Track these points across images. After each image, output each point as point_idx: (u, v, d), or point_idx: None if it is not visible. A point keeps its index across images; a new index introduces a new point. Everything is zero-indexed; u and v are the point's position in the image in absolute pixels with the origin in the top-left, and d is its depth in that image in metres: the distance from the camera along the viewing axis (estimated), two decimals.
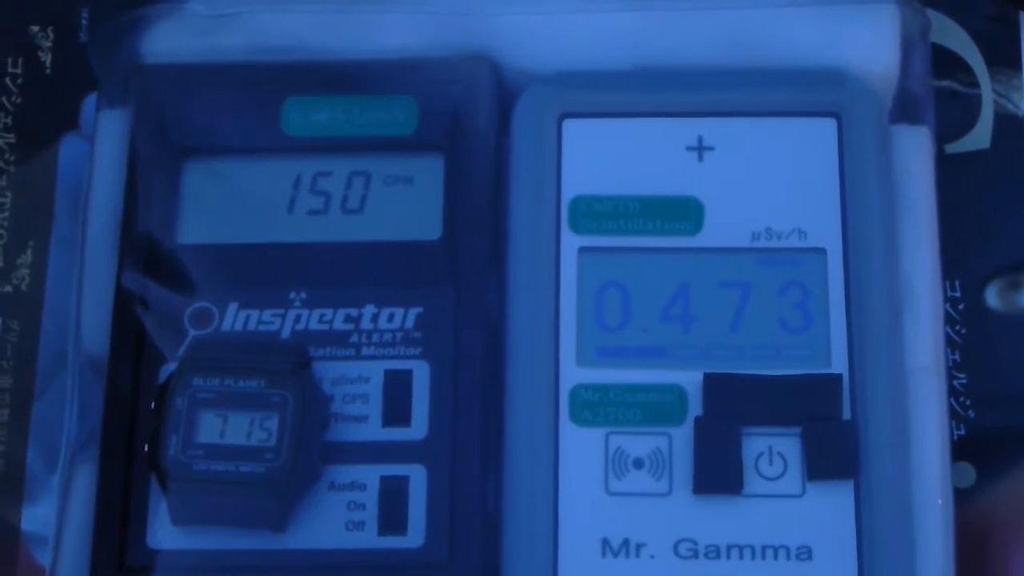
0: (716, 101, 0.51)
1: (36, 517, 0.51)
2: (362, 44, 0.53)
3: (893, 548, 0.46)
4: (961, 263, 0.52)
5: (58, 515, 0.49)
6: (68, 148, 0.55)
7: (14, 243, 0.53)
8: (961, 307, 0.51)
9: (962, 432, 0.50)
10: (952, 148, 0.53)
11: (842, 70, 0.51)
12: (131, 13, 0.54)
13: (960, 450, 0.50)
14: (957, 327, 0.51)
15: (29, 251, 0.53)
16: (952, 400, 0.50)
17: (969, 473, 0.50)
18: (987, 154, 0.54)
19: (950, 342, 0.51)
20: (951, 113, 0.53)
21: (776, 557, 0.46)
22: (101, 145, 0.52)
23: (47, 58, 0.55)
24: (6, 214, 0.54)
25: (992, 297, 0.52)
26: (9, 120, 0.55)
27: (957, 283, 0.52)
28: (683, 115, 0.51)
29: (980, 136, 0.54)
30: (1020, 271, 0.53)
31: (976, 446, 0.50)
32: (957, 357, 0.51)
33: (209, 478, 0.47)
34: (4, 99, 0.55)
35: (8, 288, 0.52)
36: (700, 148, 0.50)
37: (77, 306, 0.51)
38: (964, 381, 0.51)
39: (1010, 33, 0.54)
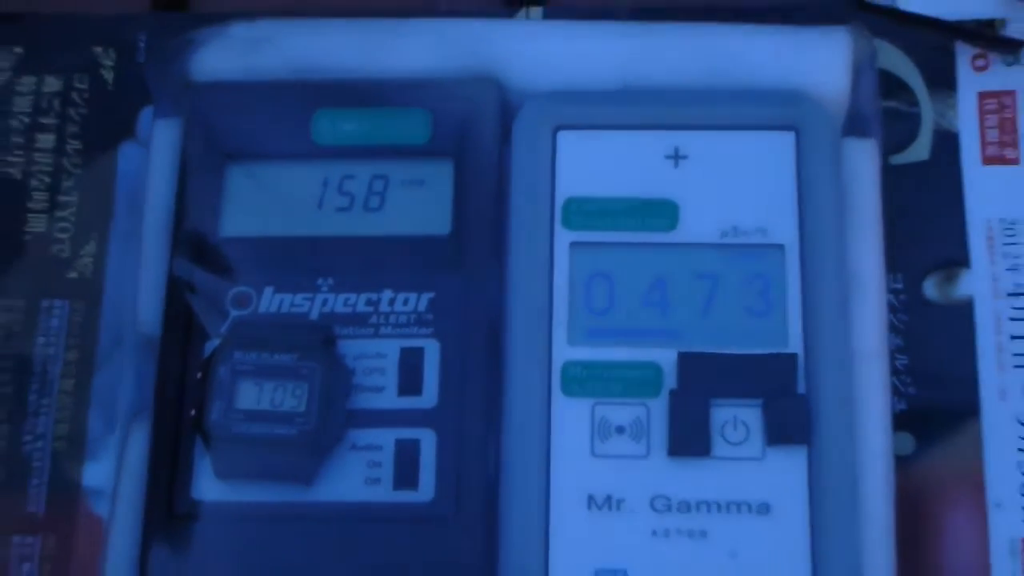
0: (691, 116, 0.51)
1: (96, 474, 0.50)
2: (383, 64, 0.53)
3: (841, 505, 0.46)
4: (903, 259, 0.52)
5: (116, 471, 0.49)
6: (126, 154, 0.54)
7: (79, 236, 0.53)
8: (903, 297, 0.51)
9: (903, 406, 0.50)
10: (895, 159, 0.53)
11: (800, 90, 0.51)
12: (182, 37, 0.54)
13: (900, 422, 0.49)
14: (899, 315, 0.51)
15: (92, 243, 0.53)
16: (894, 378, 0.50)
17: (908, 442, 0.49)
18: (926, 165, 0.53)
19: (893, 328, 0.50)
20: (895, 129, 0.53)
21: (739, 511, 0.46)
22: (155, 151, 0.52)
23: (109, 75, 0.55)
24: (72, 210, 0.53)
25: (930, 289, 0.52)
26: (76, 129, 0.54)
27: (899, 276, 0.51)
28: (662, 128, 0.51)
29: (920, 149, 0.53)
30: (954, 266, 0.52)
31: (915, 419, 0.50)
32: (899, 341, 0.50)
33: (247, 439, 0.47)
34: (72, 111, 0.55)
35: (74, 275, 0.52)
36: (676, 157, 0.50)
37: (134, 291, 0.51)
38: (905, 362, 0.50)
39: (947, 60, 0.54)
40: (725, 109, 0.51)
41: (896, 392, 0.50)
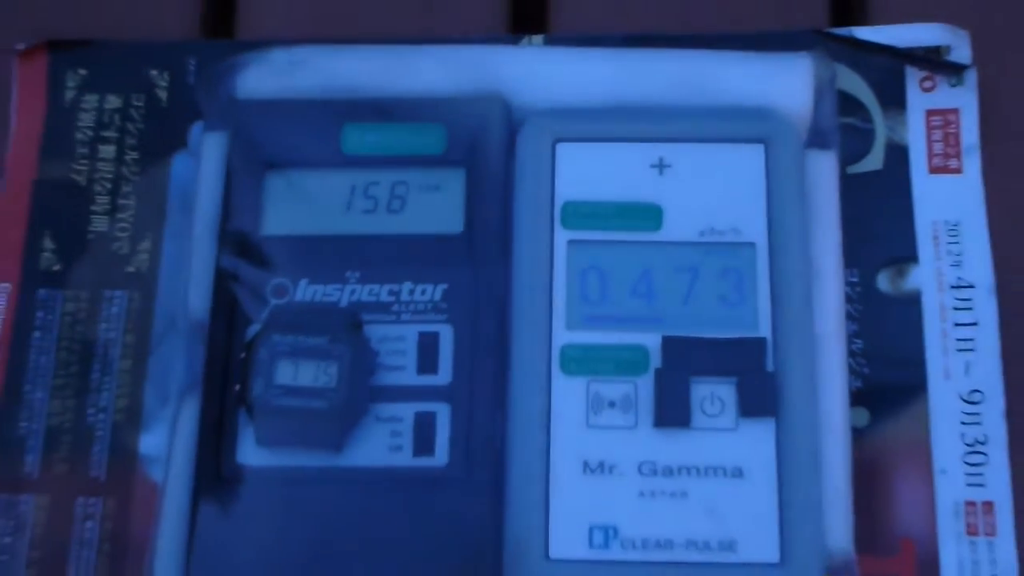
0: (673, 130, 0.51)
1: (151, 443, 0.51)
2: (403, 84, 0.53)
3: (805, 470, 0.47)
4: (858, 256, 0.52)
5: (169, 440, 0.49)
6: (179, 163, 0.54)
7: (137, 234, 0.53)
8: (858, 289, 0.51)
9: (859, 384, 0.50)
10: (852, 169, 0.53)
11: (768, 108, 0.52)
12: (227, 60, 0.54)
13: (856, 398, 0.50)
14: (855, 304, 0.51)
15: (148, 241, 0.53)
16: (851, 360, 0.50)
17: (863, 416, 0.50)
18: (879, 174, 0.53)
19: (849, 316, 0.51)
20: (852, 142, 0.53)
21: (715, 475, 0.47)
22: (204, 161, 0.52)
23: (163, 95, 0.55)
24: (131, 212, 0.53)
25: (882, 282, 0.51)
26: (134, 141, 0.54)
27: (855, 271, 0.51)
28: (648, 140, 0.51)
29: (874, 160, 0.53)
30: (904, 262, 0.52)
31: (869, 395, 0.50)
32: (855, 327, 0.51)
33: (285, 411, 0.47)
34: (131, 125, 0.55)
35: (132, 269, 0.52)
36: (661, 166, 0.51)
37: (185, 282, 0.51)
38: (860, 345, 0.50)
39: (898, 82, 0.54)
40: (703, 124, 0.51)
41: (853, 372, 0.50)
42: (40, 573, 0.49)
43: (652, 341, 0.48)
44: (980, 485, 0.49)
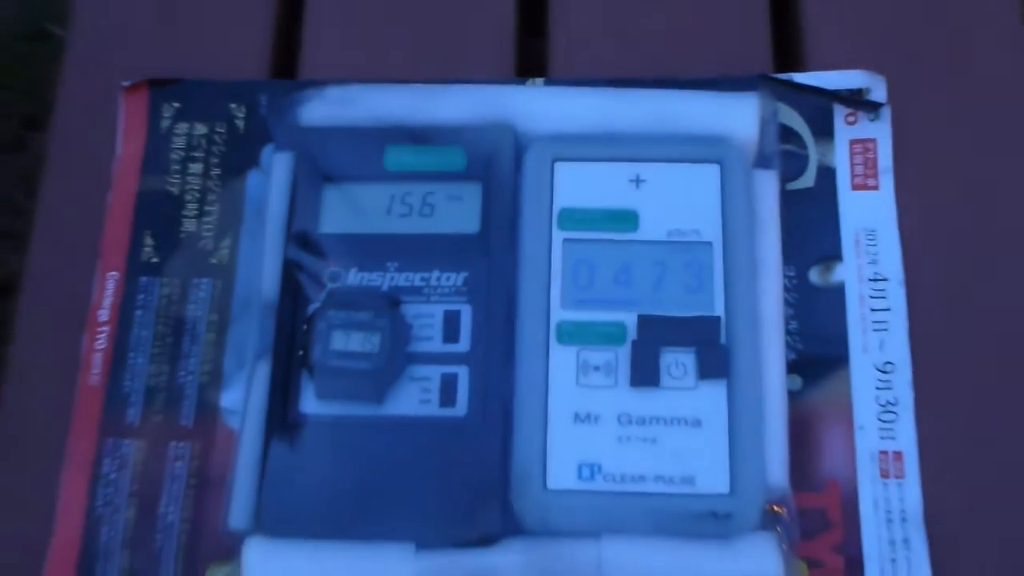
0: (647, 153, 0.52)
1: (229, 398, 0.51)
2: (433, 115, 0.53)
3: (750, 422, 0.47)
4: (795, 255, 0.52)
5: (244, 395, 0.49)
6: (253, 178, 0.55)
7: (219, 233, 0.53)
8: (794, 281, 0.52)
9: (793, 356, 0.50)
10: (790, 186, 0.53)
11: (723, 136, 0.52)
12: (292, 96, 0.54)
13: (792, 367, 0.50)
14: (792, 293, 0.51)
15: (228, 239, 0.53)
16: (788, 337, 0.50)
17: (797, 381, 0.50)
18: (812, 190, 0.54)
19: (787, 302, 0.51)
20: (790, 165, 0.54)
21: (679, 425, 0.47)
22: (274, 175, 0.52)
23: (241, 123, 0.55)
24: (214, 216, 0.53)
25: (814, 276, 0.52)
26: (217, 160, 0.54)
27: (792, 266, 0.52)
28: (627, 160, 0.51)
29: (807, 179, 0.54)
30: (831, 260, 0.52)
31: (802, 365, 0.50)
32: (791, 312, 0.51)
33: (338, 371, 0.48)
34: (214, 148, 0.55)
35: (215, 261, 0.52)
36: (638, 180, 0.51)
37: (259, 271, 0.51)
38: (795, 326, 0.51)
39: (827, 117, 0.54)
40: (671, 148, 0.52)
41: (789, 346, 0.50)
42: (139, 503, 0.49)
43: (629, 319, 0.49)
44: (891, 438, 0.49)
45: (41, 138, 1.04)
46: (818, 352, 0.51)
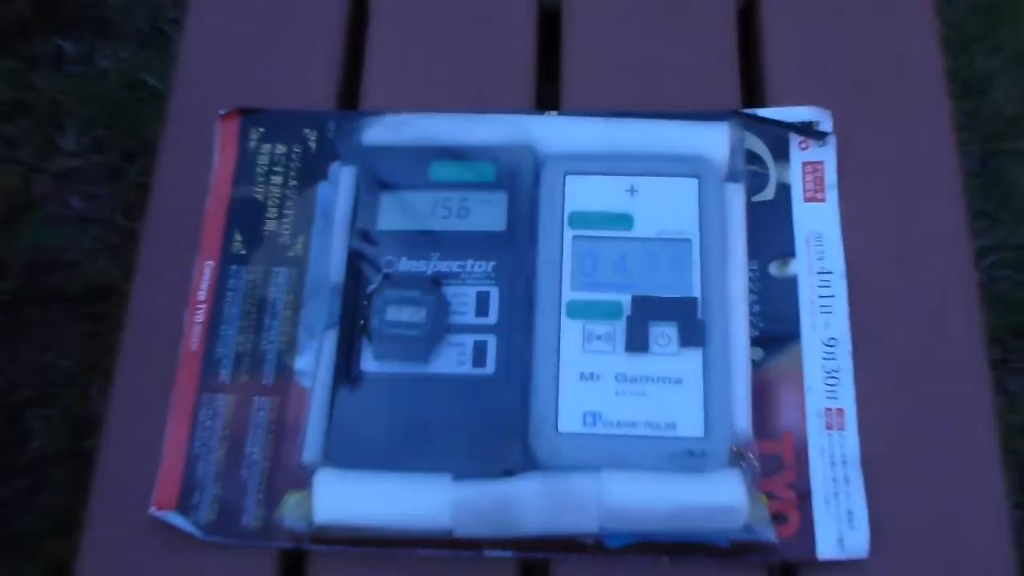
0: (640, 168, 0.52)
1: (302, 362, 0.51)
2: (470, 137, 0.53)
3: (720, 381, 0.48)
4: (758, 252, 0.52)
5: (316, 358, 0.50)
6: (322, 188, 0.54)
7: (295, 232, 0.53)
8: (757, 273, 0.52)
9: (756, 333, 0.50)
10: (755, 198, 0.53)
11: (701, 156, 0.52)
12: (355, 121, 0.54)
13: (754, 341, 0.50)
14: (755, 283, 0.52)
15: (302, 236, 0.53)
16: (751, 317, 0.51)
17: (759, 352, 0.50)
18: (772, 202, 0.53)
19: (751, 290, 0.51)
20: (754, 181, 0.54)
21: (664, 383, 0.48)
22: (341, 186, 0.53)
23: (313, 145, 0.55)
24: (291, 218, 0.54)
25: (772, 269, 0.52)
26: (294, 173, 0.55)
27: (756, 262, 0.52)
28: (624, 175, 0.52)
29: (768, 193, 0.54)
30: (786, 257, 0.52)
31: (763, 340, 0.50)
32: (755, 297, 0.51)
33: (392, 337, 0.49)
34: (291, 164, 0.55)
35: (292, 254, 0.53)
36: (632, 190, 0.51)
37: (328, 261, 0.52)
38: (757, 309, 0.51)
39: (784, 144, 0.54)
40: (659, 165, 0.52)
41: (752, 325, 0.51)
42: (229, 445, 0.49)
43: (625, 299, 0.49)
44: (834, 398, 0.49)
45: (136, 169, 1.07)
46: (776, 330, 0.51)
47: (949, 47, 1.01)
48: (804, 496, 0.48)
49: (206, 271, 0.53)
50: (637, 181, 0.52)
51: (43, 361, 0.98)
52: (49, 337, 0.99)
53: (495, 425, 0.47)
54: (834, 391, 0.50)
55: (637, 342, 0.49)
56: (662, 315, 0.49)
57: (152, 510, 0.48)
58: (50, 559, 0.89)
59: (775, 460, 0.48)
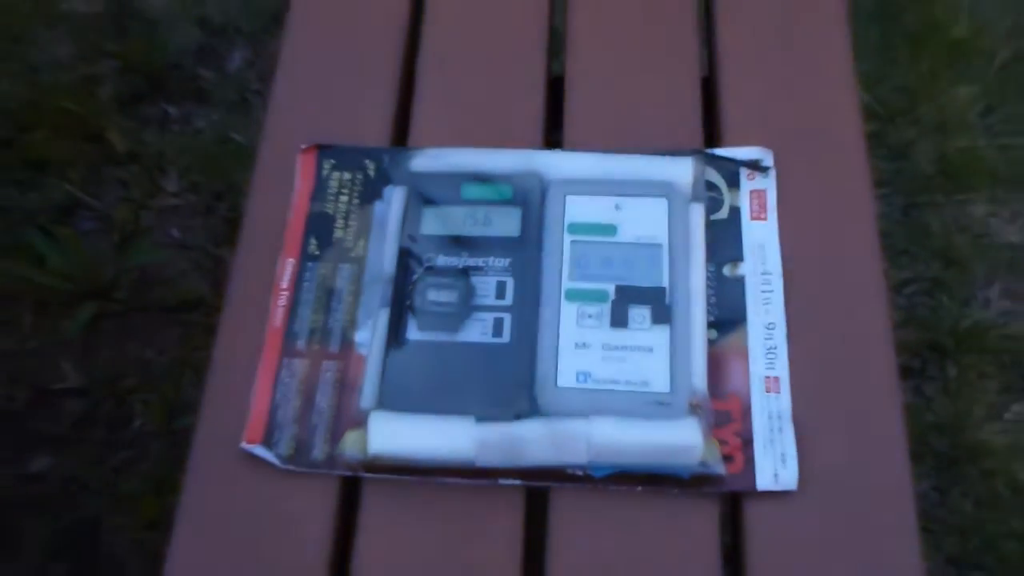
0: (623, 190, 0.54)
1: (360, 336, 0.52)
2: (492, 166, 0.55)
3: (682, 351, 0.50)
4: (714, 256, 0.53)
5: (371, 331, 0.51)
6: (378, 206, 0.56)
7: (356, 238, 0.55)
8: (713, 273, 0.53)
9: (712, 318, 0.51)
10: (713, 217, 0.55)
11: (671, 182, 0.54)
12: (405, 153, 0.56)
13: (711, 324, 0.51)
14: (711, 281, 0.53)
15: (362, 240, 0.55)
16: (708, 306, 0.52)
17: (714, 333, 0.52)
18: (725, 220, 0.54)
19: (708, 286, 0.53)
20: (712, 204, 0.55)
21: (639, 351, 0.50)
22: (393, 201, 0.55)
23: (372, 172, 0.57)
24: (354, 227, 0.55)
25: (725, 270, 0.53)
26: (356, 194, 0.55)
27: (712, 264, 0.53)
28: (611, 195, 0.54)
29: (723, 213, 0.55)
30: (737, 261, 0.53)
31: (718, 324, 0.52)
32: (711, 291, 0.52)
33: (432, 312, 0.51)
34: (355, 187, 0.56)
35: (353, 254, 0.54)
36: (617, 207, 0.53)
37: (382, 258, 0.53)
38: (713, 300, 0.52)
39: (735, 175, 0.56)
40: (638, 188, 0.54)
41: (709, 312, 0.52)
42: (303, 397, 0.51)
43: (610, 287, 0.51)
44: (772, 368, 0.51)
45: (224, 206, 1.11)
46: (727, 316, 0.52)
47: (878, 119, 1.06)
48: (748, 442, 0.49)
49: (288, 266, 0.55)
50: (621, 200, 0.54)
51: (145, 357, 1.00)
52: (150, 338, 1.01)
53: (508, 380, 0.49)
54: (772, 363, 0.51)
55: (619, 320, 0.50)
56: (638, 300, 0.51)
57: (243, 444, 0.50)
58: (145, 515, 0.91)
59: (725, 415, 0.50)
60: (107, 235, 1.06)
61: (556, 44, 0.62)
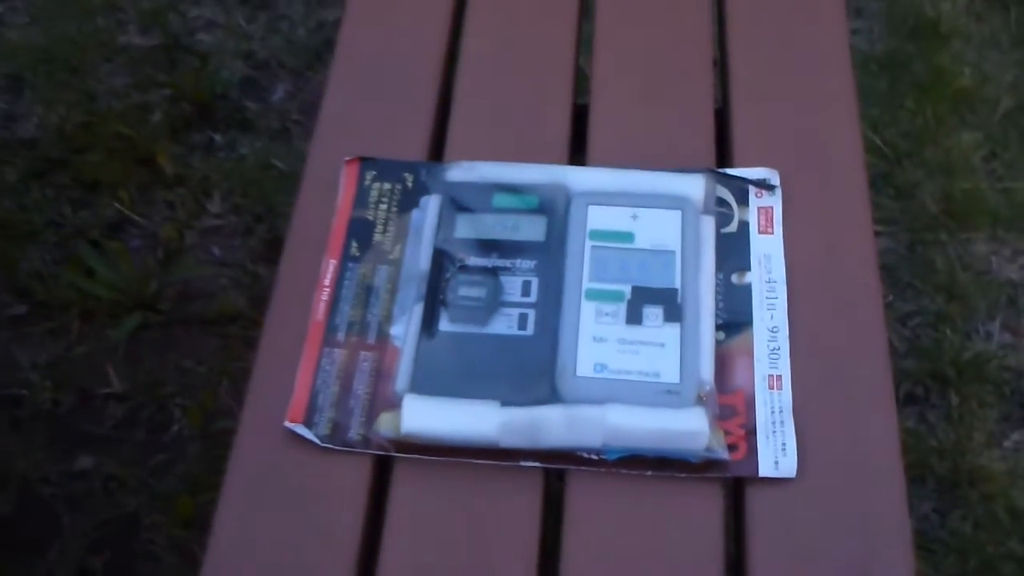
0: (640, 202, 0.57)
1: (395, 330, 0.54)
2: (520, 178, 0.57)
3: (692, 346, 0.51)
4: (722, 266, 0.56)
5: (406, 324, 0.54)
6: (416, 214, 0.58)
7: (393, 242, 0.57)
8: (722, 281, 0.55)
9: (720, 321, 0.54)
10: (723, 230, 0.57)
11: (684, 196, 0.57)
12: (442, 165, 0.59)
13: (719, 327, 0.54)
14: (720, 288, 0.55)
15: (398, 245, 0.57)
16: (717, 312, 0.54)
17: (722, 335, 0.54)
18: (735, 233, 0.57)
19: (717, 292, 0.55)
20: (723, 218, 0.57)
21: (652, 346, 0.52)
22: (430, 208, 0.57)
23: (410, 183, 0.59)
24: (392, 233, 0.58)
25: (733, 279, 0.55)
26: (396, 202, 0.59)
27: (720, 274, 0.55)
28: (629, 206, 0.56)
29: (732, 227, 0.57)
30: (743, 271, 0.55)
31: (725, 327, 0.54)
32: (720, 297, 0.54)
33: (462, 307, 0.54)
34: (394, 196, 0.59)
35: (391, 257, 0.57)
36: (635, 216, 0.56)
37: (417, 261, 0.56)
38: (722, 306, 0.54)
39: (745, 193, 0.58)
40: (654, 200, 0.57)
41: (718, 316, 0.54)
42: (341, 383, 0.53)
43: (627, 288, 0.54)
44: (775, 367, 0.53)
45: (263, 227, 1.16)
46: (735, 320, 0.55)
47: (886, 160, 1.10)
48: (751, 433, 0.51)
49: (330, 266, 0.57)
50: (638, 211, 0.57)
51: (185, 366, 1.03)
52: (190, 348, 1.04)
53: (531, 369, 0.51)
54: (775, 363, 0.54)
55: (634, 317, 0.53)
56: (652, 300, 0.53)
57: (286, 423, 0.52)
58: (181, 513, 0.94)
59: (731, 408, 0.52)
60: (153, 251, 1.11)
61: (581, 82, 0.65)
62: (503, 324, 0.53)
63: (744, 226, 0.58)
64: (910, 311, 1.03)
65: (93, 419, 0.99)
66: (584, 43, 0.68)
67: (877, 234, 1.00)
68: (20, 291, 1.06)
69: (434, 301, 0.54)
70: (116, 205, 1.13)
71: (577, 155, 0.62)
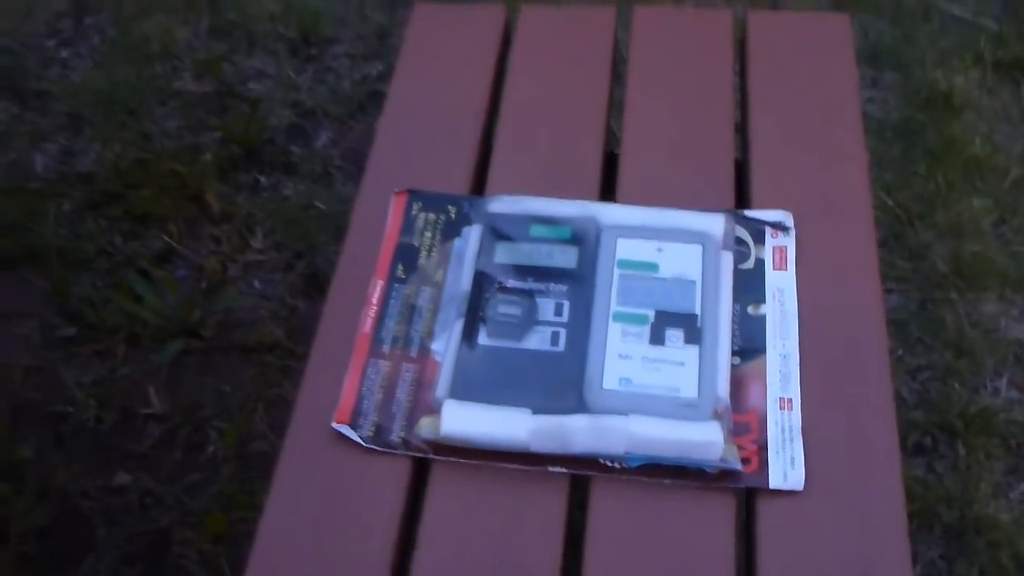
0: (664, 236, 0.60)
1: (436, 345, 0.58)
2: (556, 212, 0.62)
3: (710, 366, 0.55)
4: (739, 298, 0.59)
5: (447, 340, 0.58)
6: (458, 242, 0.62)
7: (436, 267, 0.61)
8: (738, 312, 0.59)
9: (736, 348, 0.57)
10: (740, 267, 0.61)
11: (706, 232, 0.61)
12: (483, 199, 0.63)
13: (735, 353, 0.57)
14: (736, 319, 0.58)
15: (440, 270, 0.61)
16: (733, 339, 0.57)
17: (737, 359, 0.57)
18: (751, 270, 0.60)
19: (733, 322, 0.58)
20: (739, 256, 0.61)
21: (673, 364, 0.55)
22: (471, 236, 0.62)
23: (453, 214, 0.64)
24: (435, 259, 0.61)
25: (749, 310, 0.59)
26: (439, 232, 0.62)
27: (737, 305, 0.59)
28: (654, 240, 0.60)
29: (749, 263, 0.61)
30: (758, 303, 0.58)
31: (741, 352, 0.57)
32: (736, 327, 0.58)
33: (500, 324, 0.57)
34: (439, 226, 0.63)
35: (435, 280, 0.60)
36: (659, 249, 0.60)
37: (460, 280, 0.60)
38: (737, 334, 0.58)
39: (760, 233, 0.62)
40: (677, 235, 0.61)
41: (734, 343, 0.58)
42: (385, 391, 0.56)
43: (651, 312, 0.58)
44: (786, 391, 0.57)
45: (303, 264, 1.21)
46: (750, 347, 0.58)
47: (899, 221, 1.15)
48: (763, 448, 0.55)
49: (378, 287, 0.62)
50: (663, 244, 0.61)
51: (223, 391, 1.07)
52: (228, 374, 1.08)
53: (561, 381, 0.55)
54: (786, 387, 0.57)
55: (657, 338, 0.57)
56: (674, 323, 0.57)
57: (333, 424, 0.57)
58: (212, 529, 0.98)
59: (745, 426, 0.56)
60: (197, 282, 1.16)
61: (612, 137, 0.69)
62: (537, 340, 0.57)
63: (760, 263, 0.62)
64: (920, 365, 1.06)
65: (133, 438, 1.03)
66: (615, 106, 0.72)
67: (889, 291, 1.07)
68: (71, 315, 1.11)
69: (474, 317, 0.58)
70: (165, 238, 1.19)
71: (607, 196, 0.67)
